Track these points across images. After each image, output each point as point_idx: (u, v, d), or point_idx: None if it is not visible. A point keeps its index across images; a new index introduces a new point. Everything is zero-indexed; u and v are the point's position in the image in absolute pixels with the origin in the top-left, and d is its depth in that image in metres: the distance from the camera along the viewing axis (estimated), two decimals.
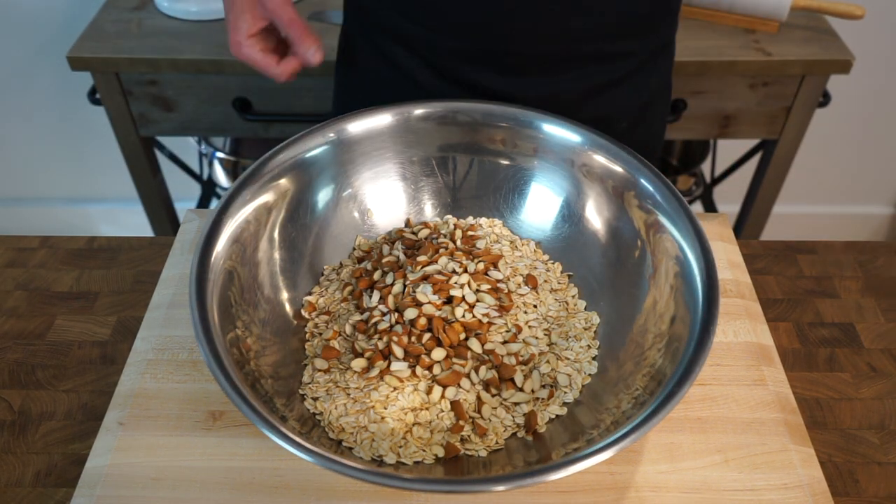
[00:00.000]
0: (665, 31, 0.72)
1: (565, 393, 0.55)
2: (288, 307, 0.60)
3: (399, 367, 0.55)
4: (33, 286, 0.74)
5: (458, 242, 0.63)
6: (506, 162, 0.66)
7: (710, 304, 0.50)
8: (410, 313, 0.56)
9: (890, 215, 1.80)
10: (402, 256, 0.62)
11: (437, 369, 0.55)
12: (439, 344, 0.56)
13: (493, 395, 0.55)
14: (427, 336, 0.56)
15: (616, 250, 0.61)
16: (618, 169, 0.61)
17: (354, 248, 0.66)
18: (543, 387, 0.56)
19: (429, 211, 0.68)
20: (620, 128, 0.75)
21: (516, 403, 0.55)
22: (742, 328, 0.63)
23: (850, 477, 0.59)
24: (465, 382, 0.55)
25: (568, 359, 0.57)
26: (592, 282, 0.62)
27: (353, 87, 0.80)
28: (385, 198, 0.67)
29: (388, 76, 0.75)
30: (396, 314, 0.57)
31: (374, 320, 0.57)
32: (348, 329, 0.58)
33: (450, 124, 0.65)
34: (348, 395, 0.54)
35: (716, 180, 1.48)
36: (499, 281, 0.61)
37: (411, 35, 0.70)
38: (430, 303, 0.57)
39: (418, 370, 0.55)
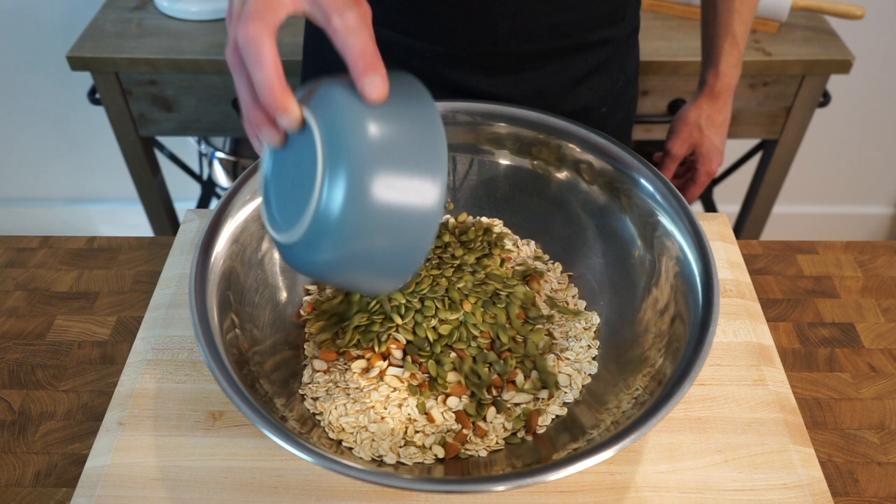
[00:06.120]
0: (632, 17, 0.76)
1: (565, 393, 0.55)
2: (288, 307, 0.60)
3: (398, 371, 0.55)
4: (33, 286, 0.74)
5: None
6: (506, 162, 0.66)
7: (710, 304, 0.50)
8: None
9: (890, 215, 1.80)
10: None
11: None
12: None
13: (494, 396, 0.55)
14: None
15: (616, 250, 0.61)
16: (618, 169, 0.61)
17: None
18: (543, 387, 0.56)
19: None
20: (600, 113, 0.78)
21: (516, 403, 0.55)
22: (742, 328, 0.63)
23: (850, 477, 0.59)
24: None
25: (568, 359, 0.57)
26: (592, 282, 0.62)
27: None
28: None
29: None
30: None
31: None
32: None
33: (449, 124, 0.65)
34: (348, 395, 0.54)
35: (716, 180, 1.48)
36: None
37: (390, 41, 0.70)
38: None
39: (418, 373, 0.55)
